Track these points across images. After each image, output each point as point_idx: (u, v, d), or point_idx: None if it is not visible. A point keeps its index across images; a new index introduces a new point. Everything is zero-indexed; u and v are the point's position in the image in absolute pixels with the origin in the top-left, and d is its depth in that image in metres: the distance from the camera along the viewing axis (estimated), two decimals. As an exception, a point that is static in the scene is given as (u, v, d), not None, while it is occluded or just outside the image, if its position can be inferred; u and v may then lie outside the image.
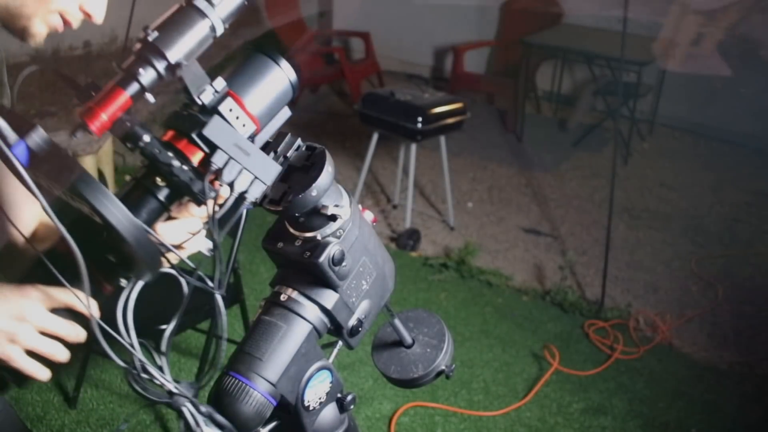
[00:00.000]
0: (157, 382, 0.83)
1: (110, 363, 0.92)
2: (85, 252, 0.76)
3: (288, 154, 0.94)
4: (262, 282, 3.49)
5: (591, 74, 5.70)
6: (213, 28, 0.82)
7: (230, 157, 0.81)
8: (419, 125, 3.93)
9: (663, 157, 5.62)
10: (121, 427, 2.47)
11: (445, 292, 3.66)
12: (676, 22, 5.49)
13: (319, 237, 0.96)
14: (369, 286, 1.01)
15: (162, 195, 0.82)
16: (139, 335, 0.84)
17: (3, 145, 0.73)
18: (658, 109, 5.97)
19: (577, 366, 3.16)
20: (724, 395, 3.05)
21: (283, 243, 0.99)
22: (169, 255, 0.83)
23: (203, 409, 0.85)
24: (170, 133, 0.83)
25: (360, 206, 1.03)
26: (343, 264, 0.95)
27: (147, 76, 0.78)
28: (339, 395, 1.02)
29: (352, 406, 1.03)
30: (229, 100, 0.83)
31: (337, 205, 0.94)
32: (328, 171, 0.93)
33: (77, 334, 0.88)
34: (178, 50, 0.79)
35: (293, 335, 0.95)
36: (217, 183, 0.81)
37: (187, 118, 0.83)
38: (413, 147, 4.12)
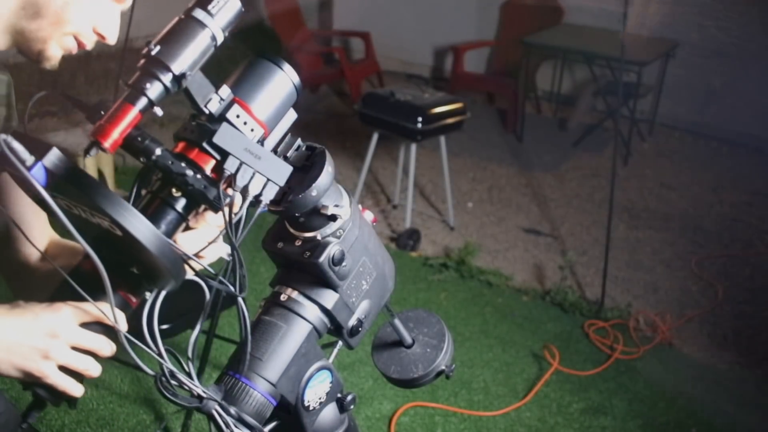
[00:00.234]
0: (186, 388, 0.84)
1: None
2: (109, 267, 0.78)
3: (288, 154, 0.94)
4: (262, 282, 3.48)
5: (591, 74, 5.70)
6: (213, 38, 0.83)
7: (242, 162, 0.83)
8: (419, 125, 3.93)
9: (663, 157, 5.62)
10: None
11: (445, 292, 3.66)
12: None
13: (319, 237, 0.96)
14: (369, 286, 1.01)
15: (179, 205, 0.84)
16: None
17: (23, 168, 0.74)
18: (658, 109, 5.97)
19: (577, 366, 3.16)
20: (724, 395, 3.05)
21: (283, 243, 0.99)
22: (193, 263, 0.84)
23: (232, 411, 0.87)
24: (181, 145, 0.85)
25: (360, 206, 1.03)
26: (343, 264, 0.95)
27: (154, 89, 0.80)
28: (339, 395, 1.02)
29: (352, 406, 1.03)
30: (235, 107, 0.84)
31: (337, 205, 0.94)
32: (328, 171, 0.93)
33: (109, 348, 0.89)
34: (182, 62, 0.80)
35: (293, 335, 0.95)
36: (230, 190, 0.83)
37: (196, 128, 0.84)
38: (413, 147, 4.12)
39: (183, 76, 0.80)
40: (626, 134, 5.49)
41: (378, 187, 4.83)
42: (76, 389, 0.89)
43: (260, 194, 0.84)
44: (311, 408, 0.98)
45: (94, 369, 0.89)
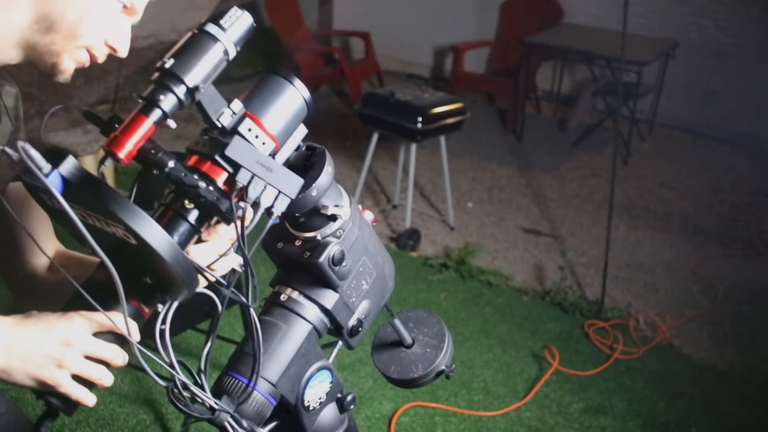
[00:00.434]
0: (198, 399, 0.85)
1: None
2: (123, 277, 0.79)
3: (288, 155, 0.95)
4: (262, 282, 3.48)
5: (591, 74, 5.70)
6: (226, 52, 0.85)
7: (254, 175, 0.84)
8: (419, 125, 3.93)
9: (663, 157, 5.62)
10: None
11: (445, 292, 3.66)
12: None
13: (319, 237, 0.96)
14: (369, 286, 1.01)
15: (192, 217, 0.85)
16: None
17: (41, 175, 0.75)
18: (658, 109, 5.97)
19: (577, 366, 3.16)
20: (724, 395, 3.05)
21: (283, 243, 0.99)
22: (206, 274, 0.85)
23: (245, 423, 0.88)
24: (194, 158, 0.86)
25: (360, 206, 1.03)
26: (343, 264, 0.96)
27: (168, 101, 0.81)
28: (339, 395, 1.02)
29: (352, 406, 1.03)
30: (247, 121, 0.85)
31: (337, 205, 0.95)
32: (328, 171, 0.93)
33: (122, 357, 0.90)
34: (195, 75, 0.82)
35: (293, 335, 0.96)
36: (242, 202, 0.83)
37: (209, 142, 0.85)
38: (413, 147, 4.12)
39: (196, 88, 0.82)
40: (626, 134, 5.49)
41: (378, 187, 4.83)
42: (88, 398, 0.89)
43: (272, 206, 0.85)
44: (311, 408, 0.98)
45: (107, 378, 0.90)
